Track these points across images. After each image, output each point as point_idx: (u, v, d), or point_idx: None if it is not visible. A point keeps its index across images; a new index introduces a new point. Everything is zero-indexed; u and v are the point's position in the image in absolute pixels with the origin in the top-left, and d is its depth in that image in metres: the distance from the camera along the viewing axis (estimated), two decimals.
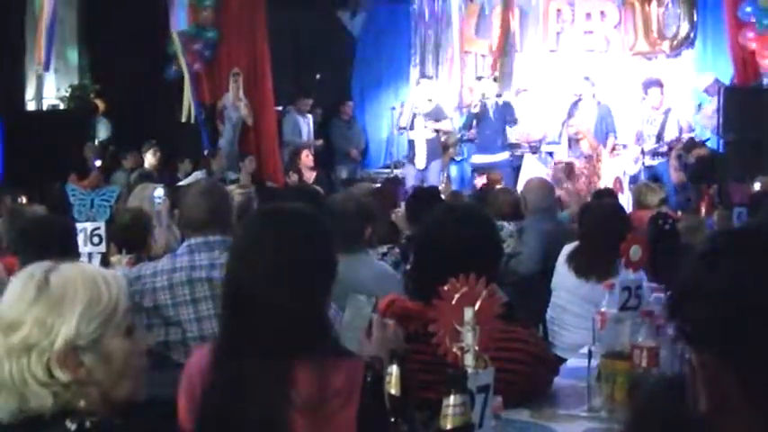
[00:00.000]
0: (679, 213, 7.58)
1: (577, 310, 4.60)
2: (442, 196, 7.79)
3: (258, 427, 2.05)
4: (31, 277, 1.70)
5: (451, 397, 1.60)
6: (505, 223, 5.79)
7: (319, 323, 2.17)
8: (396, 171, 11.83)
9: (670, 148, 10.81)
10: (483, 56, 12.99)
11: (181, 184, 8.64)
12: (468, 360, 1.72)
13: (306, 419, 2.05)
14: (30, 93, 11.89)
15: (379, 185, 9.47)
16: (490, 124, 11.22)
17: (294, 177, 11.33)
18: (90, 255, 4.26)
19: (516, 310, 2.76)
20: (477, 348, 1.73)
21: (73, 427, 1.64)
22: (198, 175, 9.81)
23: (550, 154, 11.50)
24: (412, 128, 11.33)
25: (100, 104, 11.98)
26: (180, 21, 11.57)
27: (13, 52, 11.25)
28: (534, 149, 11.68)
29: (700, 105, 11.39)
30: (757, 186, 7.56)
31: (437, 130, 11.37)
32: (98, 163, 11.01)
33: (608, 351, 2.71)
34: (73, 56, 12.54)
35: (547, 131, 11.80)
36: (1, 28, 10.89)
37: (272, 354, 2.09)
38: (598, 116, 11.13)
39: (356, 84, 13.82)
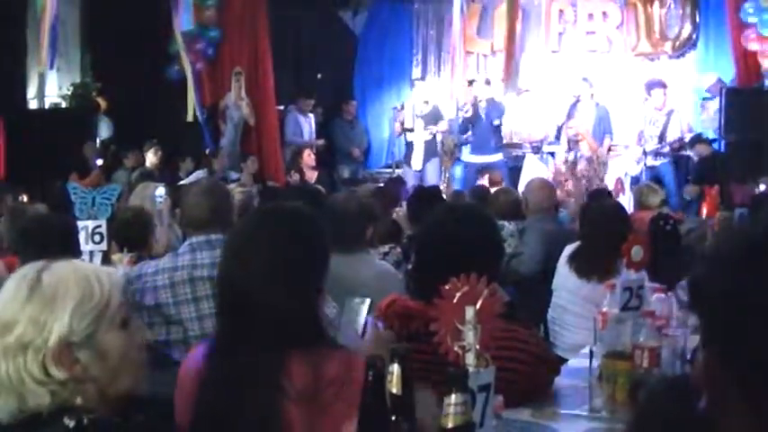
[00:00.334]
0: (680, 214, 7.58)
1: (578, 310, 4.60)
2: (444, 196, 7.81)
3: (253, 419, 2.06)
4: (23, 277, 1.71)
5: (453, 396, 1.60)
6: (506, 223, 5.79)
7: (313, 321, 2.18)
8: (397, 171, 11.86)
9: (672, 149, 10.82)
10: (485, 56, 13.00)
11: (182, 183, 8.65)
12: (470, 359, 1.72)
13: (300, 410, 2.05)
14: (32, 91, 11.90)
15: (381, 185, 9.48)
16: (482, 125, 11.29)
17: (296, 177, 11.34)
18: (91, 253, 4.27)
19: (517, 309, 2.76)
20: (478, 347, 1.73)
21: (71, 424, 1.64)
22: (199, 174, 9.83)
23: (552, 154, 11.51)
24: (411, 129, 11.38)
25: (102, 103, 11.99)
26: (185, 21, 11.59)
27: (15, 51, 11.25)
28: (536, 150, 11.69)
29: (703, 104, 11.37)
30: (762, 188, 7.56)
31: (434, 133, 11.42)
32: (99, 162, 11.03)
33: (609, 351, 2.71)
34: (75, 54, 12.54)
35: (548, 132, 11.81)
36: (2, 26, 10.89)
37: (268, 349, 2.09)
38: (596, 117, 11.14)
39: (358, 83, 13.82)
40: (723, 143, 10.50)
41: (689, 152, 10.73)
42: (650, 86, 11.18)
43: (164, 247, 5.40)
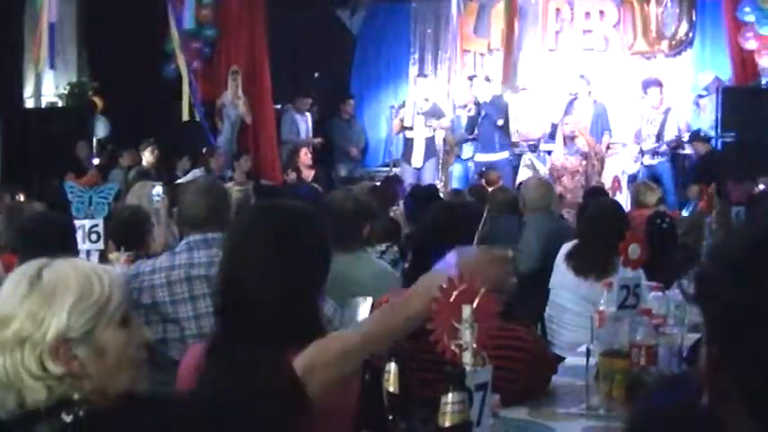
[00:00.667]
0: (676, 213, 7.59)
1: (576, 308, 4.60)
2: (441, 195, 7.81)
3: None
4: (23, 273, 1.71)
5: (450, 394, 1.60)
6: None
7: (312, 319, 2.17)
8: (395, 170, 11.84)
9: (669, 148, 10.82)
10: (482, 54, 13.01)
11: (179, 181, 8.64)
12: (467, 358, 1.72)
13: None
14: (28, 90, 11.89)
15: (378, 184, 9.47)
16: (485, 123, 11.26)
17: (292, 175, 11.34)
18: (88, 252, 4.27)
19: (515, 308, 2.76)
20: (475, 346, 1.73)
21: (68, 419, 1.64)
22: (196, 172, 9.81)
23: (549, 152, 11.52)
24: (411, 127, 11.36)
25: (98, 102, 11.97)
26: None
27: (12, 50, 11.24)
28: (533, 148, 11.69)
29: (697, 101, 11.37)
30: (761, 186, 7.56)
31: (435, 129, 11.39)
32: (96, 161, 11.02)
33: (606, 349, 2.71)
34: (72, 54, 12.53)
35: (545, 130, 11.81)
36: (0, 26, 10.89)
37: (265, 347, 2.09)
38: (594, 114, 11.13)
39: (355, 82, 13.80)
40: (720, 142, 10.51)
41: (687, 149, 10.74)
42: (646, 85, 11.19)
43: (161, 246, 5.39)
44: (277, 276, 2.15)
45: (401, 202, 7.25)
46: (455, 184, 11.23)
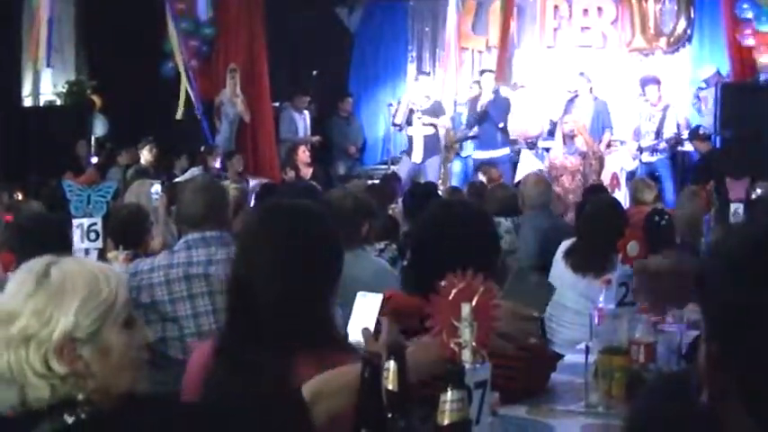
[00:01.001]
0: (673, 211, 7.57)
1: (575, 305, 4.60)
2: (440, 192, 7.81)
3: None
4: (31, 270, 1.71)
5: (449, 393, 1.60)
6: (503, 219, 5.79)
7: (321, 320, 2.16)
8: (393, 167, 11.84)
9: (669, 145, 10.82)
10: (479, 52, 13.02)
11: (178, 180, 8.64)
12: (466, 356, 1.71)
13: None
14: (26, 88, 11.87)
15: (376, 182, 9.47)
16: (487, 120, 11.23)
17: (291, 174, 11.34)
18: (87, 250, 4.26)
19: None
20: (474, 344, 1.72)
21: (71, 419, 1.64)
22: (194, 171, 9.81)
23: (547, 150, 11.51)
24: (409, 124, 11.34)
25: (96, 101, 11.96)
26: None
27: (10, 48, 11.23)
28: (531, 145, 11.68)
29: (698, 94, 11.36)
30: (759, 191, 7.55)
31: (435, 127, 11.37)
32: (94, 160, 11.01)
33: (605, 347, 2.71)
34: (70, 52, 12.51)
35: (544, 128, 11.81)
36: None
37: (274, 349, 2.08)
38: (594, 112, 11.13)
39: (353, 80, 13.81)
40: (719, 139, 10.51)
41: (687, 147, 10.73)
42: (644, 83, 11.19)
43: (159, 245, 5.39)
44: (284, 277, 2.14)
45: (399, 200, 7.25)
46: (454, 182, 11.23)
